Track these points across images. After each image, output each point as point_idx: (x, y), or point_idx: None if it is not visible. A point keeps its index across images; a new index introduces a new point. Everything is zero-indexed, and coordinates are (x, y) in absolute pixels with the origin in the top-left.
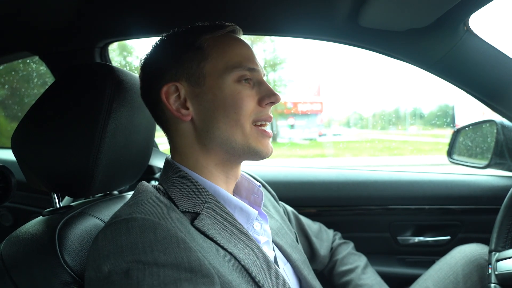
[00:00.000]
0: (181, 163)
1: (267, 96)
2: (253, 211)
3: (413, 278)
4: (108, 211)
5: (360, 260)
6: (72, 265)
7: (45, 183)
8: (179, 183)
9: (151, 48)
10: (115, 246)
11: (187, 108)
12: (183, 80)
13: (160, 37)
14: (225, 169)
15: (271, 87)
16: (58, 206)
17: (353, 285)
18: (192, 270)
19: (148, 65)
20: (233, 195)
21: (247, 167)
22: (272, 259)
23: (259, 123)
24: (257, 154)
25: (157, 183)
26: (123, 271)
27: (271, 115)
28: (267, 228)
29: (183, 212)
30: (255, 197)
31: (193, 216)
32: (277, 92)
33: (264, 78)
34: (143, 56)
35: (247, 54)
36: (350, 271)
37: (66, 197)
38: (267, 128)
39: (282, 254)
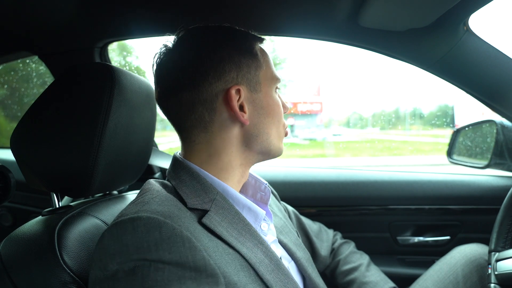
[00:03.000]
0: (200, 162)
1: (284, 107)
2: (261, 211)
3: (413, 278)
4: (108, 211)
5: (363, 258)
6: (71, 265)
7: (44, 183)
8: (188, 180)
9: (194, 42)
10: (121, 245)
11: (245, 112)
12: (243, 85)
13: (199, 35)
14: (246, 169)
15: None
16: (57, 206)
17: (358, 283)
18: (197, 269)
19: (193, 61)
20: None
21: None
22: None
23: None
24: (280, 153)
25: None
26: (129, 269)
27: None
28: (272, 227)
29: (191, 209)
30: (262, 194)
31: (201, 214)
32: None
33: None
34: (176, 49)
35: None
36: (354, 269)
37: (66, 197)
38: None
39: (287, 252)
